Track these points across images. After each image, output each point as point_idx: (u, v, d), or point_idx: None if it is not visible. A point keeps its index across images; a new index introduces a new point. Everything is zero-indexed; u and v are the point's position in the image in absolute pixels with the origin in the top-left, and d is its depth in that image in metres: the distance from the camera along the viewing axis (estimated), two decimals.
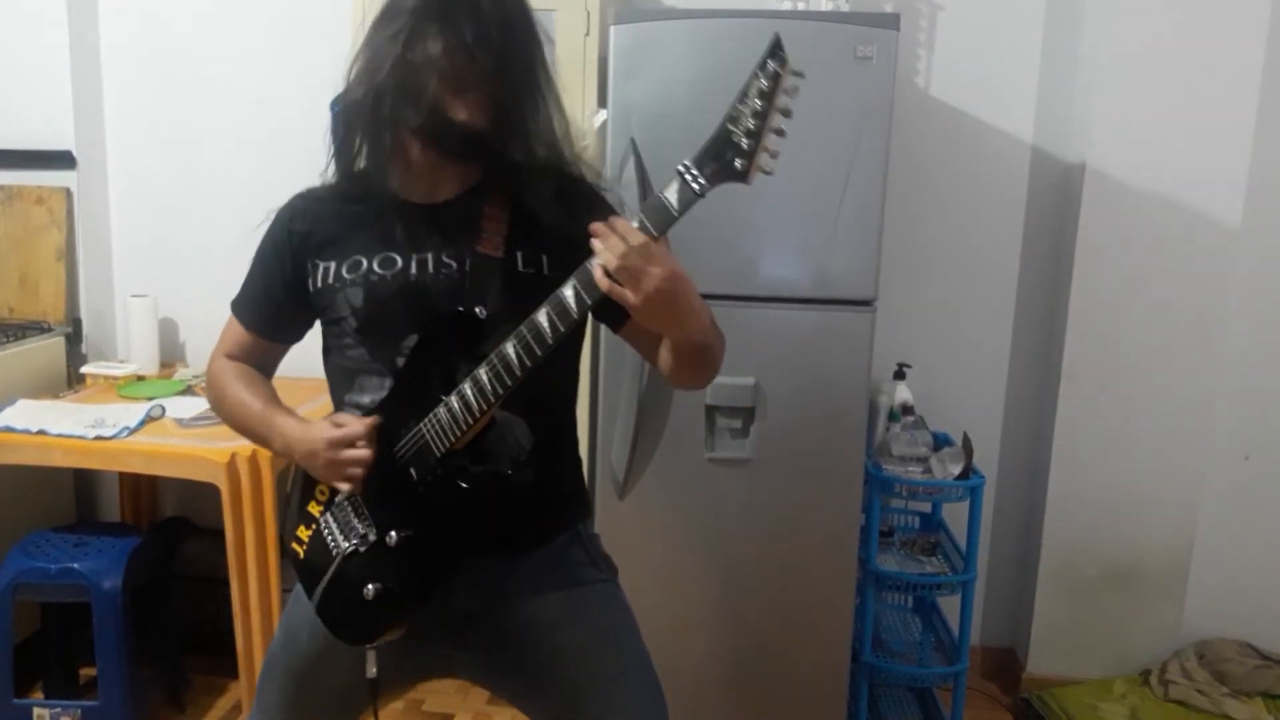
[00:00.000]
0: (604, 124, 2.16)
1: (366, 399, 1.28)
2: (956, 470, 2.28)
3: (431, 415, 1.19)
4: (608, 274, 1.05)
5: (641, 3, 2.64)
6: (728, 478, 2.22)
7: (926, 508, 2.52)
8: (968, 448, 2.31)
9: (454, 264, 1.26)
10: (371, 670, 1.28)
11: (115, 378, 2.61)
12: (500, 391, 1.14)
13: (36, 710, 2.27)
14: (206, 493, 2.16)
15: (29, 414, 2.29)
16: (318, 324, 1.36)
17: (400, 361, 1.25)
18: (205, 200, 2.82)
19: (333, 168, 1.35)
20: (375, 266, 1.27)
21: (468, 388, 1.16)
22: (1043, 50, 2.58)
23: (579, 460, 1.45)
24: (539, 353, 1.11)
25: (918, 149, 2.59)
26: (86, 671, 2.40)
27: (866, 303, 2.14)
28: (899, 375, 2.49)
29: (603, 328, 1.38)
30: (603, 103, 2.18)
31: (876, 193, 2.09)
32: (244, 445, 2.15)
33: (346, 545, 1.25)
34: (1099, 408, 2.50)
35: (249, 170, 2.77)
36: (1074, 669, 2.59)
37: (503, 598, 1.31)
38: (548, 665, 1.32)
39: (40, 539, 2.30)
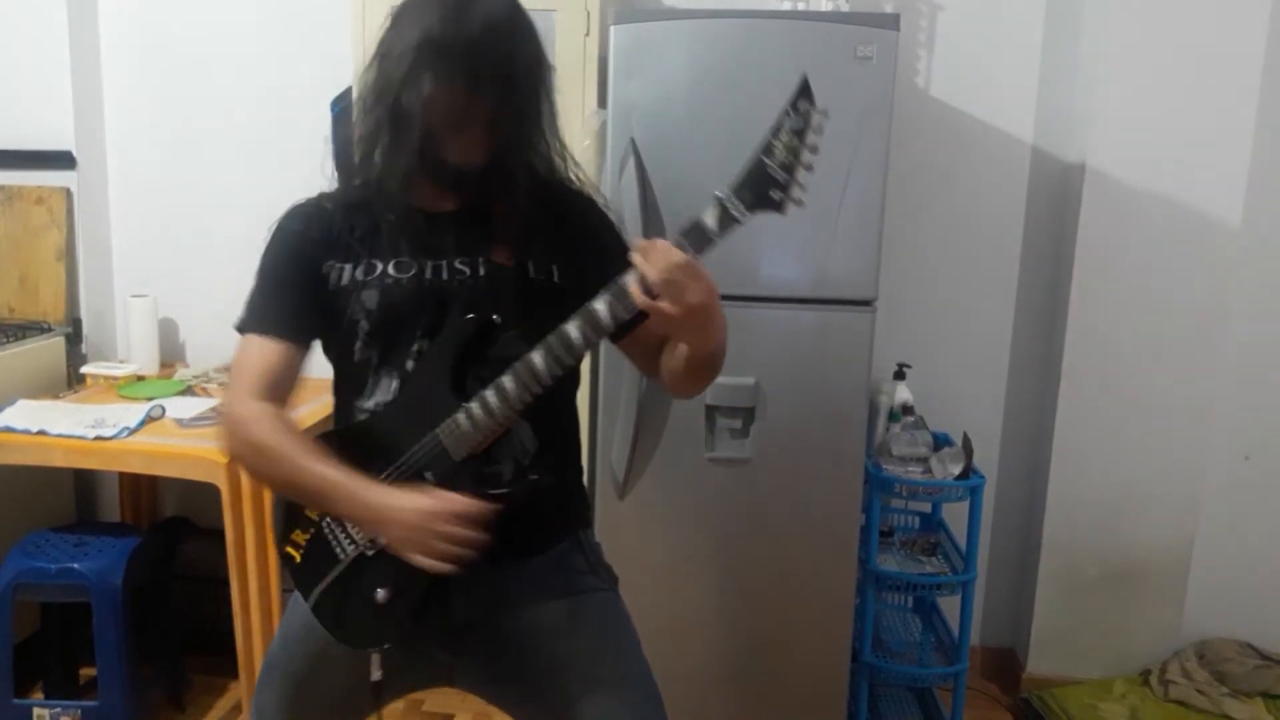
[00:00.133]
0: (604, 124, 2.16)
1: (372, 401, 1.27)
2: (956, 470, 2.28)
3: (451, 421, 1.19)
4: (646, 290, 1.10)
5: (641, 3, 2.64)
6: (728, 478, 2.22)
7: (926, 508, 2.52)
8: (968, 448, 2.31)
9: (467, 270, 1.27)
10: (377, 674, 1.28)
11: (115, 378, 2.61)
12: (527, 400, 1.17)
13: (36, 710, 2.27)
14: (206, 493, 2.16)
15: (29, 414, 2.29)
16: None
17: (410, 365, 1.25)
18: (205, 200, 2.82)
19: (337, 173, 1.35)
20: (390, 270, 1.26)
21: (490, 395, 1.17)
22: (1043, 50, 2.58)
23: (580, 465, 1.45)
24: (568, 363, 1.16)
25: (918, 149, 2.59)
26: (86, 671, 2.40)
27: (866, 303, 2.14)
28: (899, 375, 2.49)
29: None
30: (603, 103, 2.18)
31: (876, 193, 2.09)
32: None
33: (354, 548, 1.24)
34: (1099, 407, 2.50)
35: (249, 170, 2.77)
36: (1074, 669, 2.59)
37: (502, 605, 1.31)
38: (547, 674, 1.31)
39: (40, 539, 2.30)
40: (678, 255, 1.11)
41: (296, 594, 1.35)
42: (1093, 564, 2.57)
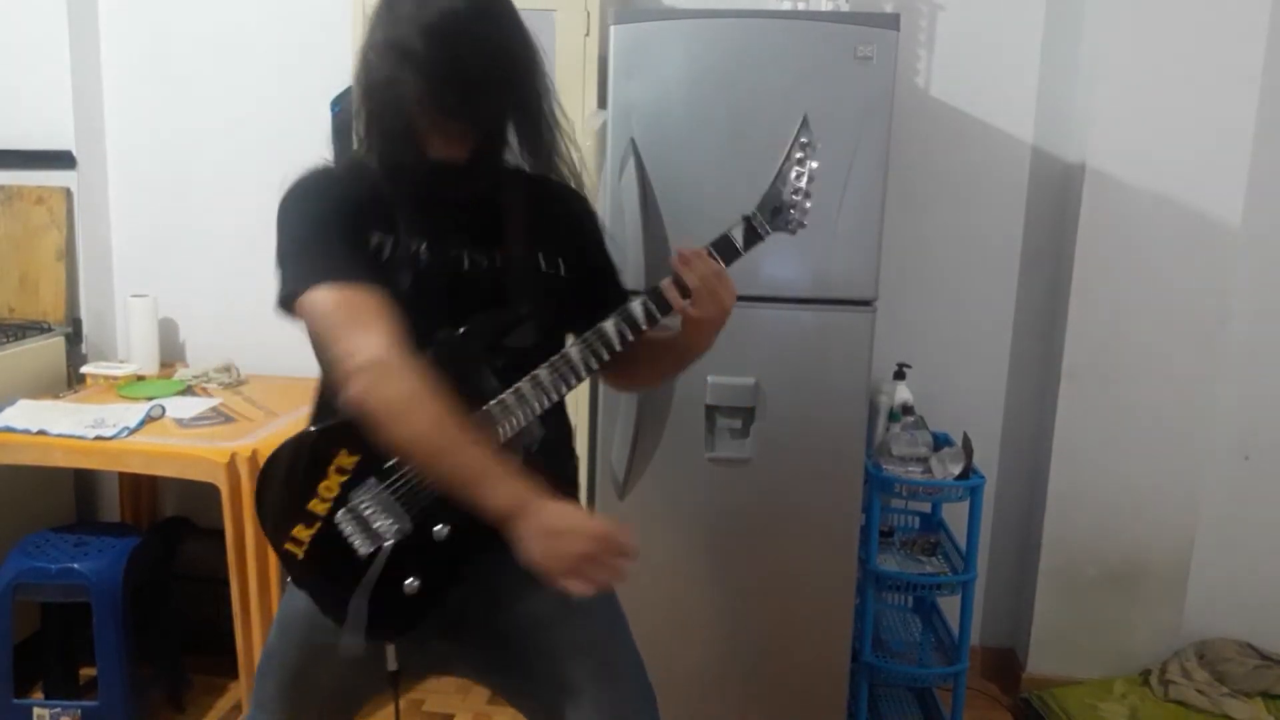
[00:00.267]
0: (604, 124, 2.16)
1: None
2: (956, 470, 2.28)
3: (483, 410, 1.21)
4: (682, 293, 1.24)
5: (641, 3, 2.64)
6: (728, 478, 2.21)
7: (926, 508, 2.52)
8: (968, 448, 2.31)
9: (485, 261, 1.29)
10: (393, 664, 1.30)
11: (115, 378, 2.61)
12: (563, 392, 1.24)
13: (36, 710, 2.27)
14: (206, 493, 2.16)
15: (29, 414, 2.29)
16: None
17: (430, 352, 1.23)
18: (205, 200, 2.82)
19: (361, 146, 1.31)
20: (423, 252, 1.26)
21: (526, 387, 1.23)
22: (1043, 50, 2.58)
23: (576, 455, 1.47)
24: (603, 359, 1.25)
25: (918, 149, 2.59)
26: (86, 671, 2.40)
27: (866, 303, 2.14)
28: (899, 375, 2.49)
29: None
30: (603, 103, 2.19)
31: (877, 193, 2.09)
32: (244, 445, 2.16)
33: (373, 543, 1.23)
34: (1099, 408, 2.50)
35: (249, 170, 2.77)
36: (1074, 669, 2.59)
37: (500, 595, 1.32)
38: (544, 663, 1.33)
39: (40, 539, 2.30)
40: (715, 265, 1.25)
41: (291, 588, 1.35)
42: (1093, 564, 2.57)
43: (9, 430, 2.20)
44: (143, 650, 2.34)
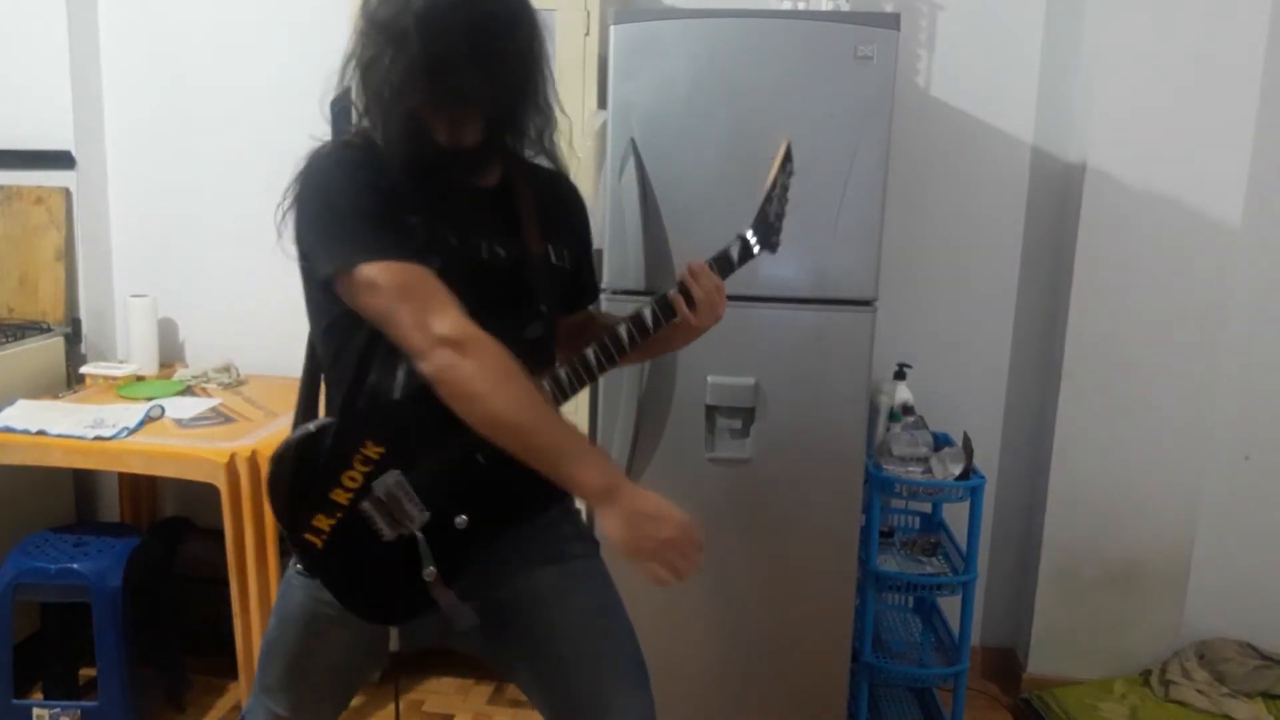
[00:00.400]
0: (604, 124, 2.16)
1: (399, 376, 1.24)
2: (957, 470, 2.28)
3: None
4: (688, 303, 1.34)
5: (641, 3, 2.64)
6: (728, 478, 2.21)
7: (927, 508, 2.52)
8: (968, 448, 2.31)
9: (503, 252, 1.30)
10: (396, 644, 1.35)
11: (114, 378, 2.61)
12: (576, 389, 1.31)
13: (36, 710, 2.26)
14: (206, 493, 2.16)
15: (28, 414, 2.29)
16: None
17: None
18: (205, 200, 2.82)
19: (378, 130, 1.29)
20: (452, 239, 1.26)
21: (546, 385, 1.28)
22: (1043, 50, 2.58)
23: None
24: (614, 360, 1.33)
25: (918, 149, 2.59)
26: (86, 672, 2.40)
27: (866, 303, 2.14)
28: (899, 375, 2.49)
29: None
30: (603, 103, 2.18)
31: (877, 192, 2.09)
32: (243, 445, 2.16)
33: (397, 529, 1.25)
34: (1099, 408, 2.50)
35: (248, 171, 2.77)
36: (1074, 669, 2.59)
37: (499, 570, 1.34)
38: (541, 638, 1.36)
39: (40, 539, 2.30)
40: (718, 280, 1.37)
41: (290, 577, 1.37)
42: (1093, 564, 2.57)
43: (8, 430, 2.20)
44: (142, 650, 2.34)
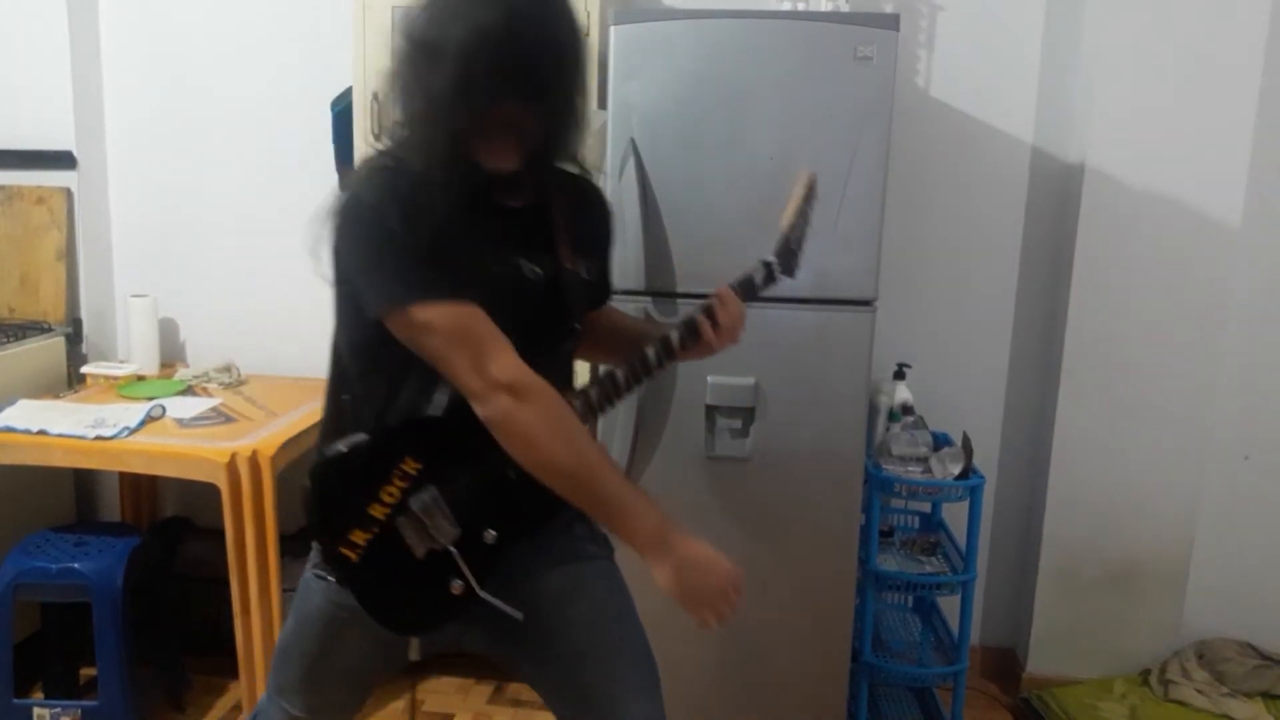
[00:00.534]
0: (604, 124, 2.16)
1: (444, 396, 1.24)
2: (956, 470, 2.28)
3: None
4: (713, 326, 1.39)
5: (641, 3, 2.64)
6: (728, 478, 2.22)
7: (926, 508, 2.52)
8: (967, 448, 2.31)
9: (540, 270, 1.30)
10: (416, 654, 1.37)
11: (115, 378, 2.61)
12: (606, 409, 1.34)
13: (36, 710, 2.27)
14: (207, 492, 2.16)
15: (29, 414, 2.29)
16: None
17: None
18: (205, 200, 2.82)
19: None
20: (494, 264, 1.26)
21: (576, 405, 1.30)
22: (1042, 50, 2.58)
23: None
24: (642, 381, 1.37)
25: (918, 149, 2.59)
26: (86, 671, 2.40)
27: (866, 303, 2.14)
28: (899, 375, 2.49)
29: None
30: (603, 103, 2.19)
31: (876, 193, 2.09)
32: (244, 445, 2.16)
33: (429, 545, 1.27)
34: (1099, 408, 2.50)
35: (249, 171, 2.77)
36: (1074, 669, 2.59)
37: (514, 573, 1.35)
38: (554, 637, 1.37)
39: (40, 539, 2.30)
40: (742, 306, 1.43)
41: (308, 579, 1.38)
42: (1092, 564, 2.57)
43: (9, 430, 2.21)
44: (143, 650, 2.34)
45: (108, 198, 2.85)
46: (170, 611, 2.53)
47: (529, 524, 1.32)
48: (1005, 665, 2.74)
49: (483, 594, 1.30)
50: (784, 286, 2.16)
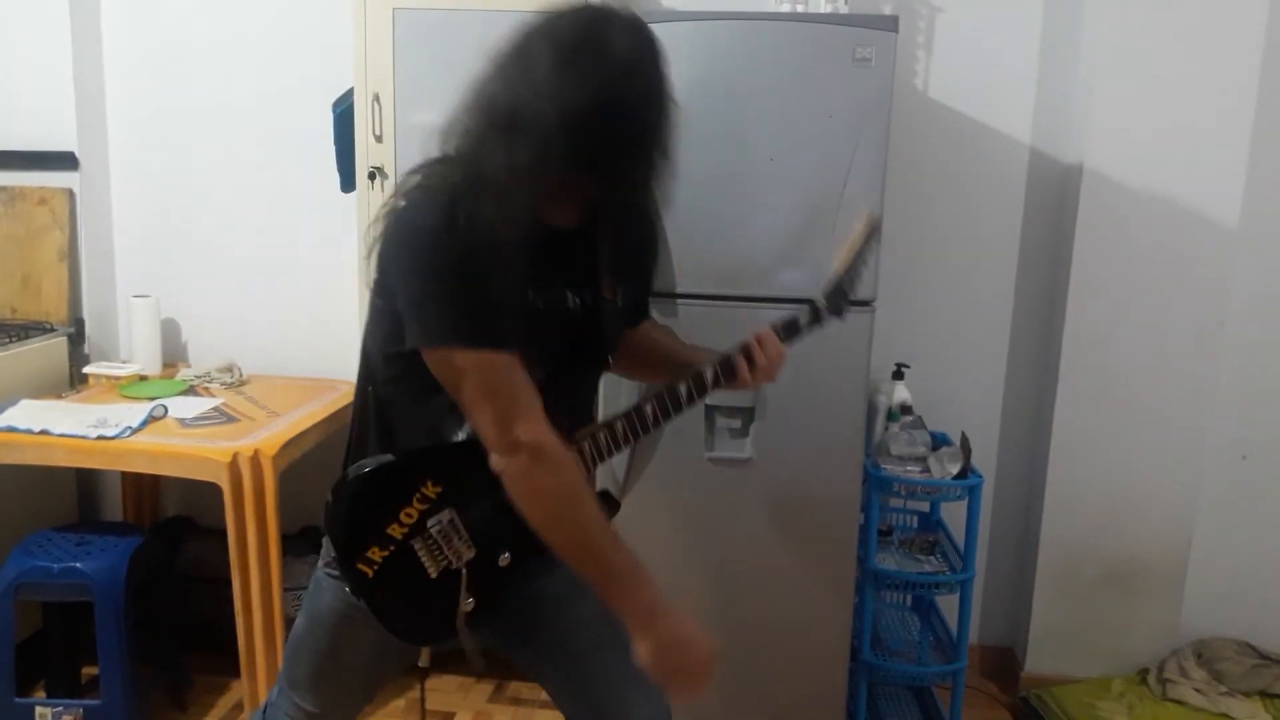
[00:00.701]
0: None
1: (460, 415, 1.25)
2: (955, 470, 2.29)
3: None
4: (749, 363, 1.38)
5: (641, 4, 2.65)
6: (727, 478, 2.22)
7: (925, 507, 2.52)
8: (966, 447, 2.32)
9: (580, 300, 1.31)
10: (425, 661, 1.38)
11: (117, 378, 2.62)
12: (630, 443, 1.34)
13: (38, 709, 2.27)
14: (208, 492, 2.17)
15: (31, 414, 2.30)
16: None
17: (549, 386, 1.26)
18: (207, 201, 2.82)
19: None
20: (538, 296, 1.26)
21: (602, 436, 1.32)
22: (1041, 52, 2.59)
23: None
24: (671, 416, 1.36)
25: (916, 150, 2.60)
26: (88, 670, 2.41)
27: (866, 303, 2.15)
28: (898, 375, 2.50)
29: None
30: None
31: (875, 194, 2.10)
32: (246, 445, 2.17)
33: (443, 565, 1.30)
34: (1097, 408, 2.51)
35: (251, 171, 2.78)
36: (1072, 668, 2.60)
37: (520, 575, 1.36)
38: (561, 635, 1.39)
39: (43, 538, 2.30)
40: (782, 348, 1.42)
41: (319, 578, 1.40)
42: (1091, 563, 2.58)
43: (12, 430, 2.21)
44: (144, 649, 2.35)
45: (110, 198, 2.86)
46: (172, 611, 2.54)
47: (543, 546, 1.30)
48: (1004, 664, 2.75)
49: (460, 623, 1.31)
50: (784, 286, 2.19)
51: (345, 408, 2.45)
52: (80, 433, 2.19)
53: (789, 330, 1.44)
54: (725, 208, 2.12)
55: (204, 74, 2.78)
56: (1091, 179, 2.42)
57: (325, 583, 1.39)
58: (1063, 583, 2.59)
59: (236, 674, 2.26)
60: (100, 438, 2.18)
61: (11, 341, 2.53)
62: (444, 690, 2.57)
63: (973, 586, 2.31)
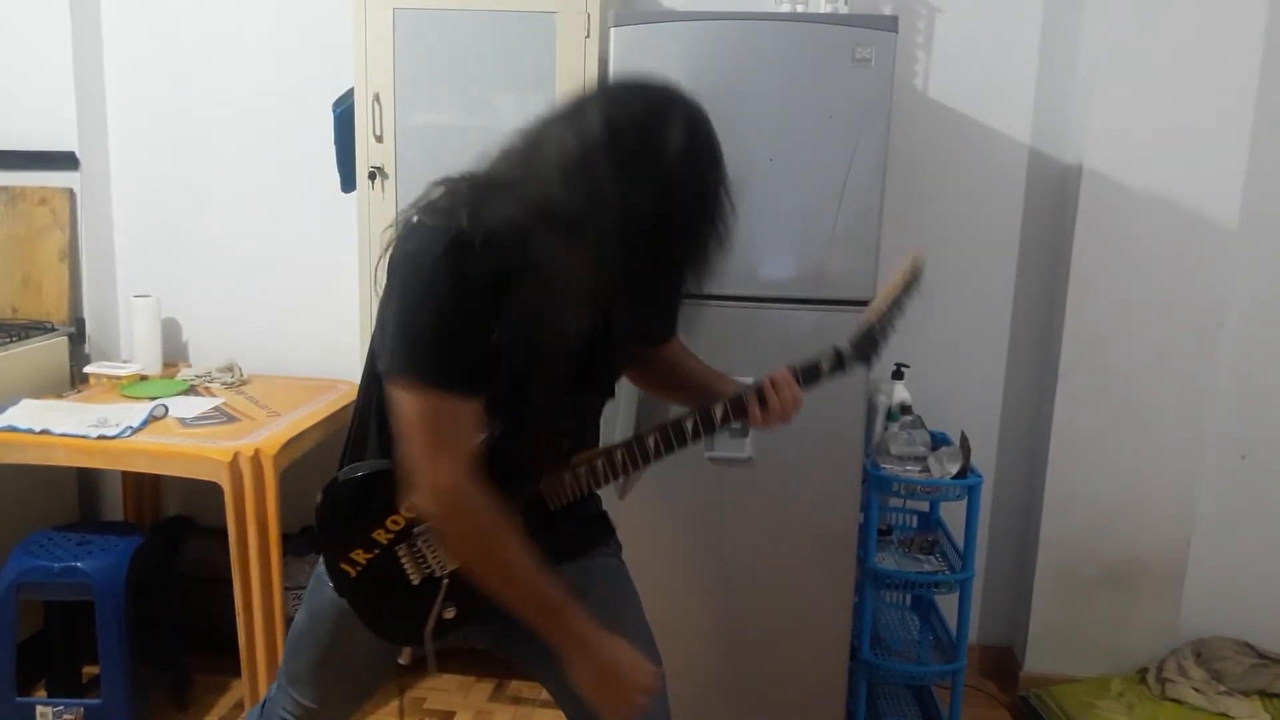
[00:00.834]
0: None
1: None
2: (954, 469, 2.29)
3: (556, 480, 1.30)
4: (760, 404, 1.35)
5: (641, 5, 2.65)
6: (728, 478, 2.23)
7: (924, 506, 2.53)
8: (965, 447, 2.32)
9: (594, 326, 1.26)
10: (405, 659, 1.39)
11: (118, 378, 2.62)
12: (628, 473, 1.33)
13: (39, 708, 2.27)
14: (209, 492, 2.17)
15: (32, 414, 2.30)
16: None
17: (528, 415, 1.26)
18: (207, 200, 2.83)
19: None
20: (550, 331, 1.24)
21: (600, 464, 1.32)
22: (1040, 52, 2.59)
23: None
24: (673, 450, 1.33)
25: (916, 150, 2.60)
26: (89, 670, 2.41)
27: (866, 303, 2.13)
28: (897, 375, 2.50)
29: None
30: None
31: (875, 193, 2.11)
32: (246, 444, 2.17)
33: (424, 572, 1.31)
34: (1096, 407, 2.51)
35: (251, 171, 2.78)
36: (1072, 667, 2.60)
37: None
38: None
39: (43, 538, 2.31)
40: (798, 392, 1.37)
41: (320, 573, 1.40)
42: (1090, 563, 2.58)
43: (12, 430, 2.22)
44: (145, 649, 2.35)
45: (110, 198, 2.86)
46: (173, 610, 2.54)
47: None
48: (1003, 664, 2.75)
49: (426, 635, 1.32)
50: (784, 287, 2.19)
51: (345, 408, 2.45)
52: (81, 432, 2.20)
53: (808, 375, 1.38)
54: None
55: (204, 74, 2.78)
56: (1091, 179, 2.42)
57: (326, 581, 1.40)
58: (1062, 582, 2.60)
59: (237, 673, 2.27)
60: (101, 437, 2.19)
61: (12, 341, 2.54)
62: (444, 689, 2.57)
63: (972, 586, 2.31)
